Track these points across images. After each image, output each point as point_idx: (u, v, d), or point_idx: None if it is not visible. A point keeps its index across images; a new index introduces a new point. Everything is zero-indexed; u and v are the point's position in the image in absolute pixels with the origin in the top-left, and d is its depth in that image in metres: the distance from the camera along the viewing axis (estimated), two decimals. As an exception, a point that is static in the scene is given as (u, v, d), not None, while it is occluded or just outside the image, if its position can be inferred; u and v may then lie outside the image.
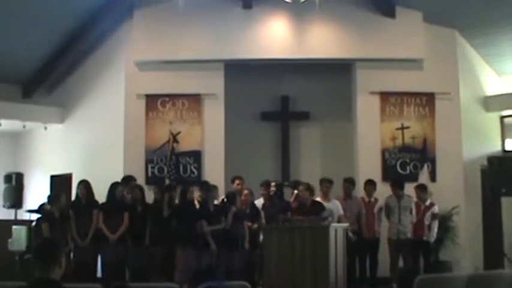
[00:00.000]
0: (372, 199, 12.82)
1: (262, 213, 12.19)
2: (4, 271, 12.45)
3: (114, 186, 12.03)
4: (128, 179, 12.56)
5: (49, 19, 13.52)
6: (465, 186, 14.04)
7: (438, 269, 12.37)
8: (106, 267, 11.69)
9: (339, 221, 11.96)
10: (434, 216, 12.40)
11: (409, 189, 12.83)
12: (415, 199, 12.60)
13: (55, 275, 4.80)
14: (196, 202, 11.89)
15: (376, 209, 12.74)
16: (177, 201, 12.04)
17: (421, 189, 12.63)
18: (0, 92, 14.87)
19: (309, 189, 12.26)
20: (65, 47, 14.61)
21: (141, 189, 12.32)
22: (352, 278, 12.13)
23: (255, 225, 11.92)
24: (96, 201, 12.08)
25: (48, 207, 12.09)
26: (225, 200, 12.13)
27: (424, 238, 12.29)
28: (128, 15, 14.23)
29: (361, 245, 12.62)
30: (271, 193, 12.63)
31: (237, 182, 12.81)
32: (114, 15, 14.20)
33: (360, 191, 13.30)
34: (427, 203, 12.50)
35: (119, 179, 12.55)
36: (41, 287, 4.78)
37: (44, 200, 12.45)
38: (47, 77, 15.40)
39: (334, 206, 12.45)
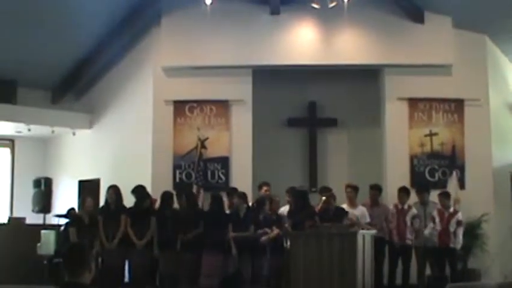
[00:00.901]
0: (405, 206, 12.68)
1: (288, 220, 12.09)
2: (33, 275, 12.55)
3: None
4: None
5: (78, 26, 13.60)
6: (494, 193, 13.91)
7: (467, 277, 12.28)
8: (133, 273, 11.71)
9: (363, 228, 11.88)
10: (459, 223, 12.24)
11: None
12: (438, 206, 12.47)
13: (85, 279, 4.79)
14: (226, 208, 11.93)
15: (408, 217, 12.59)
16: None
17: (445, 196, 12.46)
18: (29, 97, 14.99)
19: (332, 195, 12.20)
20: (93, 53, 14.72)
21: (171, 195, 12.30)
22: (380, 285, 12.07)
23: (276, 231, 11.80)
24: (125, 207, 12.09)
25: (76, 211, 12.16)
26: (255, 205, 12.12)
27: (451, 245, 12.16)
28: (156, 21, 14.28)
29: (391, 252, 12.55)
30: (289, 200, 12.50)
31: (264, 188, 12.82)
32: (142, 21, 14.28)
33: (387, 198, 13.23)
34: (451, 210, 12.36)
35: (147, 185, 12.58)
36: (70, 292, 4.80)
37: (73, 204, 12.53)
38: (75, 83, 15.52)
39: (360, 212, 12.38)
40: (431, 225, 12.17)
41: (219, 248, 11.41)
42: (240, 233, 11.62)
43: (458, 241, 12.15)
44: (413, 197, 12.83)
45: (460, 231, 12.19)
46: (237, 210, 11.93)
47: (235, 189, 12.46)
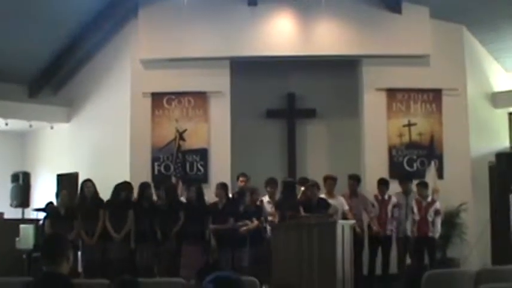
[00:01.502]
0: (386, 196, 12.73)
1: (276, 211, 12.06)
2: (12, 269, 12.47)
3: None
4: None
5: (54, 18, 13.52)
6: (473, 183, 13.97)
7: (445, 266, 12.30)
8: (112, 265, 11.67)
9: (344, 217, 11.89)
10: (437, 212, 12.32)
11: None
12: (416, 196, 12.52)
13: (63, 269, 4.79)
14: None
15: (389, 207, 12.65)
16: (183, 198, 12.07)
17: (422, 186, 12.53)
18: (6, 91, 14.86)
19: (316, 186, 12.20)
20: (71, 46, 14.61)
21: (148, 186, 12.27)
22: (360, 275, 12.10)
23: (255, 223, 11.79)
24: (102, 200, 12.06)
25: (54, 205, 12.14)
26: (235, 196, 12.11)
27: (429, 234, 12.22)
28: (132, 13, 14.21)
29: (371, 242, 12.59)
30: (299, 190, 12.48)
31: (241, 179, 12.83)
32: (119, 13, 14.21)
33: (365, 188, 13.27)
34: (429, 199, 12.41)
35: (125, 178, 12.57)
36: (49, 282, 4.78)
37: (51, 198, 12.49)
38: (52, 77, 15.41)
39: (339, 202, 12.39)
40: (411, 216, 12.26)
41: (198, 240, 11.42)
42: (220, 225, 11.62)
43: (437, 230, 12.24)
44: (393, 187, 12.86)
45: (438, 221, 12.28)
46: (216, 202, 11.91)
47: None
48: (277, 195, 12.50)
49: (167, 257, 11.62)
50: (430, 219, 12.19)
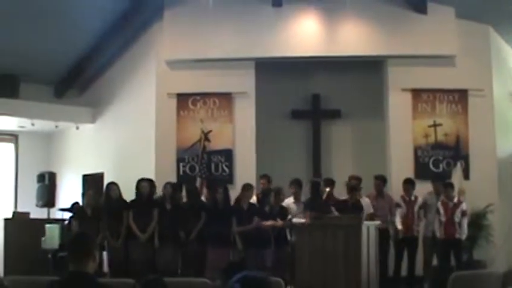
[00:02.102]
0: (412, 197, 12.68)
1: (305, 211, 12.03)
2: (38, 269, 12.53)
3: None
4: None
5: (80, 20, 13.61)
6: (499, 184, 13.87)
7: (472, 268, 12.21)
8: (136, 265, 11.72)
9: (368, 219, 11.85)
10: (463, 213, 12.21)
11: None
12: (442, 198, 12.45)
13: (89, 268, 4.81)
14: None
15: (416, 208, 12.61)
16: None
17: (448, 187, 12.45)
18: (32, 92, 15.00)
19: (354, 189, 12.23)
20: (96, 47, 14.71)
21: (172, 186, 12.32)
22: (385, 276, 12.06)
23: (280, 222, 11.81)
24: (126, 201, 12.12)
25: (80, 205, 12.23)
26: (260, 197, 12.14)
27: (456, 236, 12.14)
28: (158, 14, 14.25)
29: (396, 243, 12.55)
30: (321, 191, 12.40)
31: (262, 181, 12.85)
32: (144, 15, 14.27)
33: (391, 189, 13.22)
34: (455, 200, 12.34)
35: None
36: (75, 281, 4.79)
37: (76, 198, 12.57)
38: (78, 77, 15.54)
39: (365, 204, 12.35)
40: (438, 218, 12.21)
41: (224, 241, 11.45)
42: (244, 226, 11.65)
43: (464, 231, 12.13)
44: (418, 188, 12.82)
45: (465, 222, 12.17)
46: (240, 203, 11.94)
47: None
48: (302, 196, 12.51)
49: (191, 258, 11.67)
50: (457, 220, 12.10)
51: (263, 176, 12.91)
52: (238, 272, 4.08)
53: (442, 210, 12.16)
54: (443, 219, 12.13)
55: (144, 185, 12.03)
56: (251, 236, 11.54)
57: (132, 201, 12.01)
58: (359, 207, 11.91)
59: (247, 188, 12.06)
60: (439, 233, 12.16)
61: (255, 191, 12.33)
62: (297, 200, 12.45)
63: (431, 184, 12.87)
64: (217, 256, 11.21)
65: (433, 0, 13.92)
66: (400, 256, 12.62)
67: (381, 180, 12.94)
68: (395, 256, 12.66)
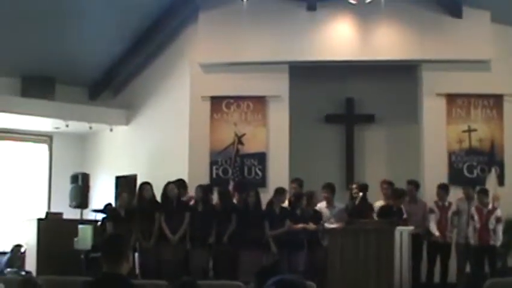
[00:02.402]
0: (446, 203, 12.60)
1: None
2: (70, 269, 12.60)
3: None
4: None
5: (115, 23, 13.74)
6: (534, 190, 13.72)
7: (506, 275, 12.11)
8: (167, 267, 11.77)
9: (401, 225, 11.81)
10: (498, 220, 12.13)
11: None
12: (476, 204, 12.36)
13: (122, 270, 4.82)
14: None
15: (449, 213, 12.53)
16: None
17: (482, 193, 12.35)
18: (67, 94, 15.15)
19: (403, 196, 12.32)
20: (131, 50, 14.82)
21: (204, 189, 12.37)
22: (417, 282, 12.00)
23: (313, 226, 11.84)
24: (158, 203, 12.19)
25: (112, 206, 12.31)
26: (292, 200, 12.15)
27: (491, 243, 12.05)
28: (193, 17, 14.31)
29: (429, 249, 12.47)
30: (355, 195, 12.43)
31: (293, 185, 12.81)
32: (179, 17, 14.34)
33: (425, 194, 13.14)
34: (490, 206, 12.24)
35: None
36: (109, 282, 4.81)
37: (109, 200, 12.65)
38: (112, 80, 15.66)
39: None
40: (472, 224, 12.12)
41: (257, 245, 11.50)
42: (277, 229, 11.70)
43: (498, 238, 12.04)
44: (452, 194, 12.74)
45: (500, 228, 12.08)
46: (272, 207, 11.98)
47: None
48: (335, 201, 12.52)
49: (224, 260, 11.71)
50: (491, 227, 12.01)
51: (294, 180, 12.90)
52: (272, 276, 4.07)
53: (476, 217, 12.08)
54: (477, 225, 12.04)
55: (172, 188, 12.08)
56: (283, 240, 11.58)
57: (163, 202, 12.08)
58: (400, 214, 11.88)
59: (280, 191, 12.15)
60: (473, 240, 12.07)
61: (287, 195, 12.34)
62: (329, 204, 12.47)
63: (462, 190, 12.75)
64: (250, 259, 11.25)
65: (468, 4, 13.82)
66: (433, 262, 12.53)
67: (414, 186, 12.86)
68: (428, 262, 12.57)
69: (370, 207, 12.30)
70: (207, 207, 12.13)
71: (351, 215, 11.89)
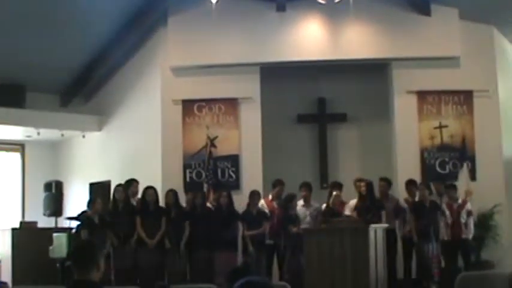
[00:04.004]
0: (416, 199, 12.68)
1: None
2: (46, 278, 12.55)
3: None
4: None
5: (84, 28, 13.67)
6: (506, 184, 13.83)
7: (480, 269, 12.21)
8: (143, 272, 11.75)
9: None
10: (469, 213, 12.27)
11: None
12: (446, 199, 12.46)
13: (93, 277, 4.79)
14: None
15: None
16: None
17: (451, 188, 12.47)
18: (38, 101, 15.06)
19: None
20: (101, 55, 14.74)
21: (175, 193, 12.39)
22: (394, 278, 12.06)
23: (295, 229, 11.95)
24: (134, 206, 12.18)
25: (87, 213, 12.26)
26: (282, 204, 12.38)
27: (463, 236, 12.16)
28: (162, 21, 14.29)
29: (404, 245, 12.53)
30: (363, 193, 12.48)
31: (277, 188, 12.85)
32: (148, 21, 14.29)
33: (398, 191, 13.21)
34: (460, 201, 12.35)
35: (157, 185, 12.69)
36: (80, 289, 4.80)
37: (84, 207, 12.61)
38: (83, 86, 15.56)
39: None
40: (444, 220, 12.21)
41: (230, 246, 11.56)
42: (254, 230, 11.95)
43: (470, 231, 12.20)
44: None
45: (471, 222, 12.26)
46: (249, 208, 12.08)
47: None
48: (312, 200, 12.64)
49: (200, 264, 11.73)
50: (463, 221, 12.15)
51: (278, 182, 12.92)
52: (242, 277, 4.07)
53: (447, 212, 12.19)
54: (449, 220, 12.15)
55: (151, 193, 12.10)
56: (258, 240, 11.70)
57: (141, 207, 12.08)
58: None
59: (254, 194, 12.28)
60: (446, 235, 12.16)
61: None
62: (306, 203, 12.57)
63: (432, 186, 12.84)
64: (224, 261, 11.28)
65: (436, 1, 13.91)
66: (409, 258, 12.58)
67: (386, 183, 12.93)
68: (404, 258, 12.64)
69: (343, 205, 12.40)
70: (179, 211, 12.14)
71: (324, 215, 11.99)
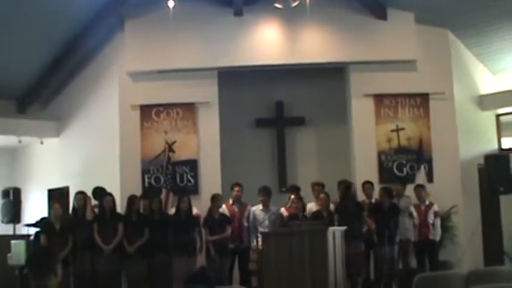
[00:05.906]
0: (373, 200, 12.77)
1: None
2: (5, 286, 12.46)
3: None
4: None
5: (40, 34, 13.53)
6: (463, 186, 14.01)
7: (438, 269, 12.34)
8: (102, 279, 11.68)
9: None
10: (436, 214, 12.47)
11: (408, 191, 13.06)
12: (414, 201, 12.59)
13: (51, 284, 4.75)
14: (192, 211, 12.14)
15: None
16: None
17: (420, 188, 12.63)
18: (-6, 107, 14.92)
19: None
20: (58, 60, 14.58)
21: (134, 199, 12.37)
22: (353, 280, 12.12)
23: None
24: (94, 213, 12.12)
25: (48, 219, 12.17)
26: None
27: (431, 237, 12.32)
28: (119, 26, 14.22)
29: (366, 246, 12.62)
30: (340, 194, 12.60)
31: (236, 189, 12.85)
32: (105, 27, 14.17)
33: (357, 194, 13.26)
34: (427, 202, 12.50)
35: (115, 190, 12.64)
36: (37, 296, 4.75)
37: (43, 214, 12.51)
38: (41, 92, 15.39)
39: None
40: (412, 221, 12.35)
41: (188, 251, 11.56)
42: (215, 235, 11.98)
43: (437, 232, 12.43)
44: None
45: (438, 223, 12.54)
46: (211, 213, 12.11)
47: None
48: (271, 204, 12.74)
49: (158, 269, 11.70)
50: (430, 221, 12.33)
51: (236, 185, 12.93)
52: (199, 282, 4.10)
53: (415, 213, 12.34)
54: (416, 221, 12.30)
55: (109, 199, 12.04)
56: (220, 245, 11.79)
57: (97, 214, 12.02)
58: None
59: (216, 198, 12.33)
60: (413, 236, 12.29)
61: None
62: (265, 207, 12.59)
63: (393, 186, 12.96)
64: (183, 266, 11.27)
65: (392, 5, 14.03)
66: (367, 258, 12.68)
67: (371, 185, 13.01)
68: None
69: (304, 208, 12.44)
70: (139, 217, 12.10)
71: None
